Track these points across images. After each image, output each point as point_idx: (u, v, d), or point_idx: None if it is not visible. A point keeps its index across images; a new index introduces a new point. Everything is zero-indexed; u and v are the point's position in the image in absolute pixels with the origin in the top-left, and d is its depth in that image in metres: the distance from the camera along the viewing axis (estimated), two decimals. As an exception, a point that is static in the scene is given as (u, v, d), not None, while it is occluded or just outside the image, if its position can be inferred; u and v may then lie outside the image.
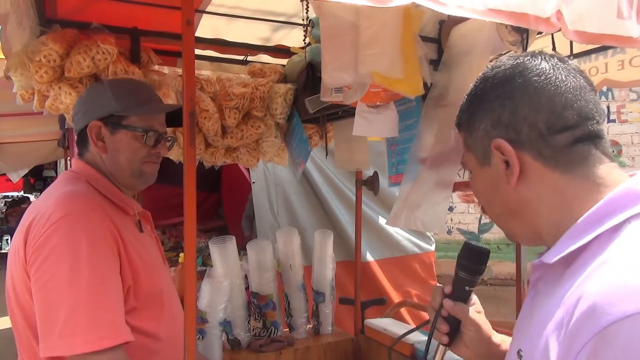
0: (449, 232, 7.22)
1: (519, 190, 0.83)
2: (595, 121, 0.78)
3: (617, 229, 0.72)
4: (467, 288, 1.01)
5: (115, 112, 1.38)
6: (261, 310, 2.15)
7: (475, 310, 1.03)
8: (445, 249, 6.10)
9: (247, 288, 2.18)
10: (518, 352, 0.79)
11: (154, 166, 1.46)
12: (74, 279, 1.18)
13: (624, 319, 0.59)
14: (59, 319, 1.16)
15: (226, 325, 2.05)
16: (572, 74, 0.79)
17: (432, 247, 4.44)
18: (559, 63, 0.80)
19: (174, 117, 1.53)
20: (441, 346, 1.03)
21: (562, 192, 0.79)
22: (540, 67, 0.79)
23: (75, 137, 1.46)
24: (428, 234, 4.43)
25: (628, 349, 0.58)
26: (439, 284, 1.05)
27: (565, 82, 0.78)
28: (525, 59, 0.81)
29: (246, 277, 2.17)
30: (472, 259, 1.00)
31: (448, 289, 1.02)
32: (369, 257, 4.05)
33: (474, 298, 1.04)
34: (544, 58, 0.81)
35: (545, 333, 0.71)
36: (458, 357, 1.07)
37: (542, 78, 0.78)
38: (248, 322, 2.16)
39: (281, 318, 2.23)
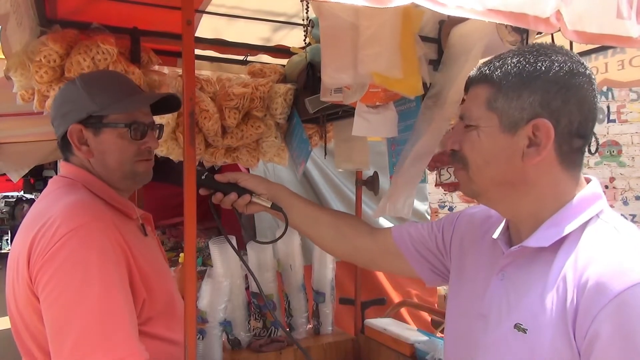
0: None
1: (527, 169, 0.90)
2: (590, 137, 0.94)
3: (587, 223, 0.87)
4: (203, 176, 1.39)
5: (94, 113, 1.28)
6: (261, 310, 2.16)
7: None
8: (445, 248, 6.07)
9: (247, 288, 2.18)
10: (516, 325, 0.89)
11: (146, 164, 1.39)
12: (84, 297, 1.10)
13: (633, 286, 0.76)
14: (68, 340, 1.08)
15: (226, 325, 2.05)
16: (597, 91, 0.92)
17: (432, 247, 4.43)
18: (593, 76, 0.91)
19: (159, 105, 1.43)
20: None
21: (556, 185, 0.90)
22: (592, 78, 0.90)
23: (59, 143, 1.37)
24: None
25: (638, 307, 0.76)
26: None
27: (596, 99, 0.90)
28: (580, 65, 0.89)
29: (246, 277, 2.17)
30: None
31: (203, 192, 1.42)
32: (369, 257, 4.04)
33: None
34: (588, 68, 0.91)
35: (550, 308, 0.84)
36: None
37: (592, 87, 0.89)
38: (248, 322, 2.16)
39: (281, 318, 2.23)
